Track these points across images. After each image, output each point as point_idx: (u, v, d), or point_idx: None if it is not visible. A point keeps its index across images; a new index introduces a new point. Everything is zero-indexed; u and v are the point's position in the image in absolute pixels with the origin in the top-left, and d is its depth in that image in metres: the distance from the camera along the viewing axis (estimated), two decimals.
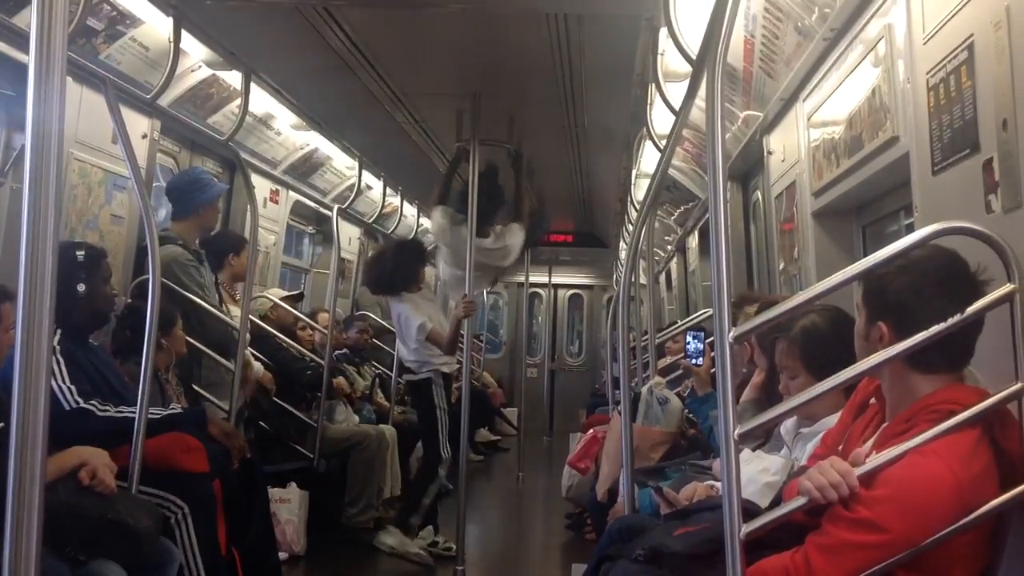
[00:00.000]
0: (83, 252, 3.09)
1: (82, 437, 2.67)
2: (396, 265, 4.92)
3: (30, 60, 1.40)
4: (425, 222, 8.14)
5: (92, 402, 2.92)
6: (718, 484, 2.38)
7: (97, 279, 3.11)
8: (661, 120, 4.13)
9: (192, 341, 3.88)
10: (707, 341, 3.49)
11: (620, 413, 3.17)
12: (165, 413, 3.17)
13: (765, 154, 3.97)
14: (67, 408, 2.85)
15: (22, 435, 1.37)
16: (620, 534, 2.43)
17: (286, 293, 5.66)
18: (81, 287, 3.03)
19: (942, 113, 2.12)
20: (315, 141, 5.80)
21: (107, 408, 2.94)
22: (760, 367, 2.81)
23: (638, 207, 6.17)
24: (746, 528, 1.57)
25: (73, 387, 2.91)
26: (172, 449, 3.02)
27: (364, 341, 6.21)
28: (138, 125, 4.08)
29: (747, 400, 2.78)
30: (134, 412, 2.89)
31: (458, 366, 4.94)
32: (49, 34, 1.38)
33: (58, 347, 2.92)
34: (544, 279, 11.46)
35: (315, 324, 5.59)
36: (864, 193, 3.08)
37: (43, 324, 1.38)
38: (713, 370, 3.30)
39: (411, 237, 5.92)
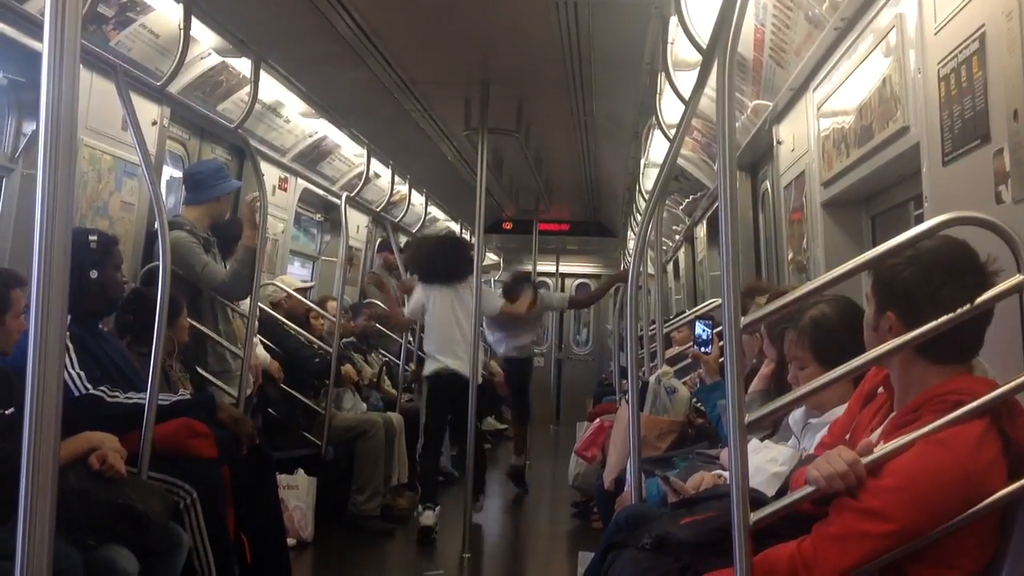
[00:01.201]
0: (95, 238, 3.11)
1: (92, 423, 2.70)
2: (457, 254, 5.27)
3: (44, 46, 1.40)
4: (434, 211, 8.14)
5: (102, 388, 2.93)
6: (725, 473, 2.38)
7: (108, 266, 3.13)
8: (670, 109, 4.12)
9: (197, 325, 3.89)
10: (715, 331, 3.49)
11: (628, 402, 3.17)
12: (175, 399, 3.17)
13: (774, 144, 3.96)
14: (77, 394, 2.87)
15: (35, 420, 1.38)
16: (627, 523, 2.43)
17: (301, 284, 5.65)
18: (93, 273, 3.05)
19: (953, 103, 2.12)
20: (324, 129, 5.80)
21: (117, 394, 2.95)
22: (769, 358, 2.81)
23: (646, 196, 6.16)
24: (753, 517, 1.58)
25: (83, 373, 2.92)
26: (181, 435, 3.03)
27: (371, 329, 6.22)
28: (148, 112, 4.09)
29: (755, 391, 2.78)
30: (144, 398, 2.91)
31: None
32: (63, 20, 1.39)
33: (68, 333, 2.92)
34: (551, 268, 11.45)
35: (325, 312, 5.60)
36: (873, 183, 3.07)
37: (56, 310, 1.39)
38: (722, 359, 3.29)
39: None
